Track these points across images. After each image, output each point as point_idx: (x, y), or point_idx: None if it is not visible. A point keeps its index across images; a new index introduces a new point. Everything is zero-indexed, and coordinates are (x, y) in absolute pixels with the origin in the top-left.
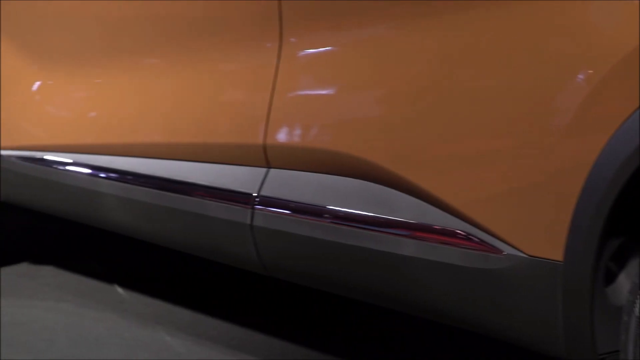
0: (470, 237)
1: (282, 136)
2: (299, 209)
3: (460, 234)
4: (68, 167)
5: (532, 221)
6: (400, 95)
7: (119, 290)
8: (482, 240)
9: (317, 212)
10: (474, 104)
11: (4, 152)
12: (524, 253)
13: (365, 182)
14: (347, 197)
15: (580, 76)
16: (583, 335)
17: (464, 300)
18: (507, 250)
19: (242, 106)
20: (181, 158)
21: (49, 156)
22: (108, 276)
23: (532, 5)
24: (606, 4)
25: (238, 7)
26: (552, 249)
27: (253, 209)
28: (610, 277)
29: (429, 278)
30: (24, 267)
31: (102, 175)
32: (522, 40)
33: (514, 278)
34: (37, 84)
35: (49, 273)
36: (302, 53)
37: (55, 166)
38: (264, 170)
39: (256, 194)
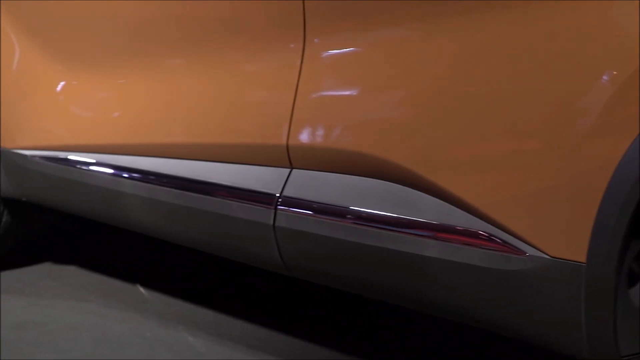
0: (493, 238)
1: (305, 137)
2: (322, 209)
3: (482, 235)
4: (91, 167)
5: (555, 222)
6: (422, 96)
7: (141, 290)
8: (504, 242)
9: (339, 212)
10: (497, 105)
11: (28, 152)
12: (547, 254)
13: (388, 182)
14: (369, 198)
15: (604, 77)
16: (606, 336)
17: (486, 301)
18: (530, 251)
19: (265, 107)
20: (204, 158)
21: (73, 156)
22: (130, 276)
23: (557, 6)
24: (629, 4)
25: (262, 7)
26: (575, 250)
27: (276, 209)
28: (633, 279)
29: (451, 279)
30: (46, 267)
31: (125, 175)
32: (544, 41)
33: (536, 279)
34: (62, 84)
35: (71, 273)
36: (325, 54)
37: (78, 166)
38: (286, 170)
39: (279, 195)
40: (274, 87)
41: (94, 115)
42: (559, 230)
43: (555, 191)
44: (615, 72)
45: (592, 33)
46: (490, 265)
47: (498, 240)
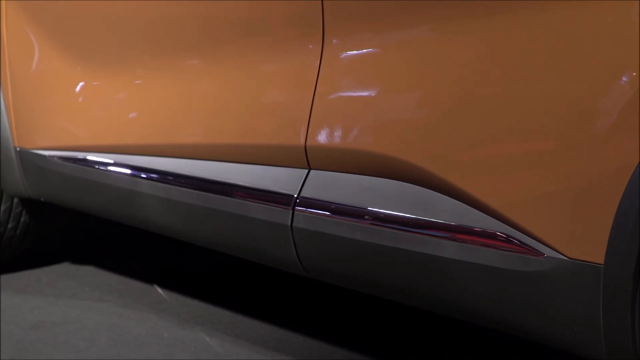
0: (511, 239)
1: (323, 138)
2: (339, 210)
3: (500, 236)
4: (109, 168)
5: (573, 224)
6: (440, 97)
7: (159, 290)
8: (522, 243)
9: (357, 213)
10: (514, 106)
11: (47, 153)
12: (565, 256)
13: (406, 183)
14: (387, 199)
15: (624, 78)
16: (624, 338)
17: (503, 302)
18: (548, 252)
19: (283, 107)
20: (222, 159)
21: (91, 156)
22: (147, 276)
23: (576, 7)
24: None
25: (281, 8)
26: (593, 251)
27: (293, 210)
28: None
29: (469, 280)
30: (64, 267)
31: (143, 175)
32: (563, 42)
33: (554, 281)
34: (80, 84)
35: (89, 273)
36: (343, 55)
37: (96, 166)
38: (304, 171)
39: (296, 195)
40: (292, 88)
41: (112, 115)
42: (577, 232)
43: (574, 192)
44: (634, 73)
45: (611, 34)
46: (508, 267)
47: (516, 242)
